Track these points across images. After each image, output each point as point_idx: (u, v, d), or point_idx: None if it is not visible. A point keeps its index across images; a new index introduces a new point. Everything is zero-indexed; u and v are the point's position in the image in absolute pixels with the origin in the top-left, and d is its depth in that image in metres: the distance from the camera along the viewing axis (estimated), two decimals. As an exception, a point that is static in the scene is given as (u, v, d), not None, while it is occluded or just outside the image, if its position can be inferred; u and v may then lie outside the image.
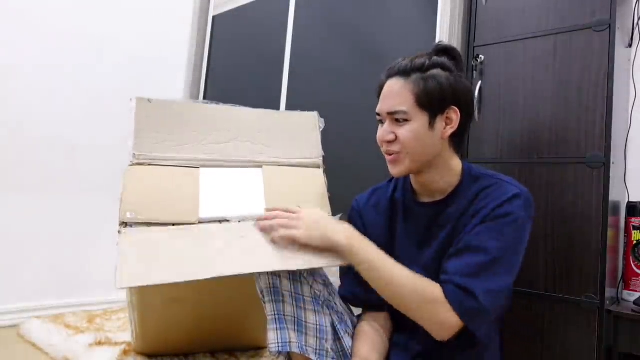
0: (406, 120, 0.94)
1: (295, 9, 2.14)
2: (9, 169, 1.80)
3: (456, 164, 1.01)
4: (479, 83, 1.50)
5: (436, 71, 0.95)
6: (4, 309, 1.77)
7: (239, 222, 1.03)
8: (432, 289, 0.87)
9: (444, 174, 0.99)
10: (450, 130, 0.96)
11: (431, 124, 0.94)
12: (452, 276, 0.87)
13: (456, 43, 1.55)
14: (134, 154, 1.07)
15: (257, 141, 1.18)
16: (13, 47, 1.83)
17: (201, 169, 1.08)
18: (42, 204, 1.88)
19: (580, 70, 1.32)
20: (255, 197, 1.09)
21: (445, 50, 1.00)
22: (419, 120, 0.94)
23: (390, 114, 0.96)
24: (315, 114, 1.25)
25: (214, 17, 2.56)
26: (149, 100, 1.09)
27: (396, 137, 0.95)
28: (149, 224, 0.97)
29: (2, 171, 1.79)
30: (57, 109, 1.94)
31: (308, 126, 1.23)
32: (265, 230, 0.97)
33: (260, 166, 1.16)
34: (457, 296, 0.85)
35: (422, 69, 0.95)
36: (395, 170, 0.98)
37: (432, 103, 0.93)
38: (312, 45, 2.05)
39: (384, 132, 0.97)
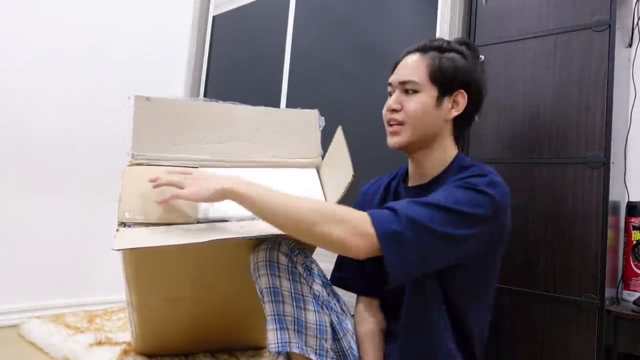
0: (416, 92, 0.98)
1: (295, 9, 2.14)
2: (9, 169, 1.80)
3: (451, 151, 1.02)
4: (479, 83, 1.50)
5: (453, 54, 1.00)
6: (4, 308, 1.77)
7: (238, 221, 1.03)
8: (345, 207, 0.85)
9: (437, 157, 1.01)
10: (455, 113, 0.99)
11: (439, 100, 0.98)
12: (394, 205, 0.86)
13: (456, 43, 1.55)
14: (133, 154, 1.07)
15: (256, 140, 1.17)
16: (13, 47, 1.83)
17: (200, 169, 1.08)
18: (42, 204, 1.88)
19: (580, 70, 1.32)
20: None
21: (464, 42, 1.05)
22: (428, 93, 0.98)
23: (402, 83, 1.00)
24: (315, 111, 1.25)
25: (214, 17, 2.56)
26: (148, 99, 1.09)
27: (402, 107, 0.98)
28: (147, 225, 0.97)
29: (2, 171, 1.79)
30: (57, 109, 1.94)
31: (308, 124, 1.23)
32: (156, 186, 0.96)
33: (259, 166, 1.16)
34: (379, 213, 0.83)
35: (440, 48, 1.00)
36: (393, 140, 1.00)
37: (444, 80, 0.97)
38: (312, 45, 2.05)
39: (392, 100, 1.00)
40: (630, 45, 1.51)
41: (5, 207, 1.80)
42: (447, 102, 0.99)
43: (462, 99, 1.00)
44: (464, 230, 0.84)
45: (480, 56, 1.51)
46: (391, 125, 1.00)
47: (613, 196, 1.28)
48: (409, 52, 1.04)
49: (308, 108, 1.26)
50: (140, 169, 1.05)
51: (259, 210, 0.86)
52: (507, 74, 1.45)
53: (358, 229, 0.81)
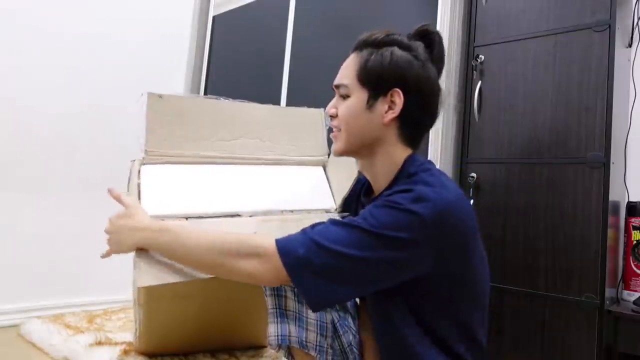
0: (348, 96, 0.91)
1: (295, 9, 2.14)
2: (9, 169, 1.80)
3: (399, 157, 0.90)
4: (479, 83, 1.50)
5: (390, 48, 0.89)
6: (4, 309, 1.77)
7: (250, 217, 1.04)
8: (249, 239, 0.83)
9: (384, 166, 0.91)
10: (391, 115, 0.87)
11: (369, 103, 0.88)
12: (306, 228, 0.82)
13: (456, 43, 1.55)
14: (146, 150, 1.08)
15: (264, 138, 1.19)
16: (13, 47, 1.83)
17: (211, 165, 1.10)
18: (42, 203, 1.88)
19: (580, 70, 1.32)
20: (265, 194, 1.10)
21: (423, 33, 0.93)
22: (358, 97, 0.90)
23: (336, 87, 0.94)
24: (321, 110, 1.25)
25: (214, 17, 2.56)
26: (160, 96, 1.10)
27: (337, 112, 0.93)
28: (162, 218, 0.99)
29: (2, 171, 1.79)
30: (57, 109, 1.94)
31: (314, 123, 1.24)
32: None
33: (268, 164, 1.17)
34: (287, 239, 0.80)
35: (374, 43, 0.91)
36: (333, 148, 0.95)
37: (371, 79, 0.88)
38: (312, 45, 2.05)
39: (329, 105, 0.95)
40: (630, 45, 1.51)
41: (5, 207, 1.80)
42: (381, 104, 0.88)
43: (398, 98, 0.87)
44: (388, 253, 0.76)
45: (480, 56, 1.51)
46: (332, 131, 0.95)
47: (613, 196, 1.29)
48: (352, 51, 0.95)
49: (309, 108, 1.26)
50: (154, 167, 1.07)
51: (172, 257, 0.91)
52: (507, 74, 1.45)
53: (263, 259, 0.79)
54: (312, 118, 1.24)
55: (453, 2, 1.56)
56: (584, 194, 1.27)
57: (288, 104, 2.09)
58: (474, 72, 1.51)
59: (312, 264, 0.76)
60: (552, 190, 1.32)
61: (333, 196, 1.16)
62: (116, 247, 0.96)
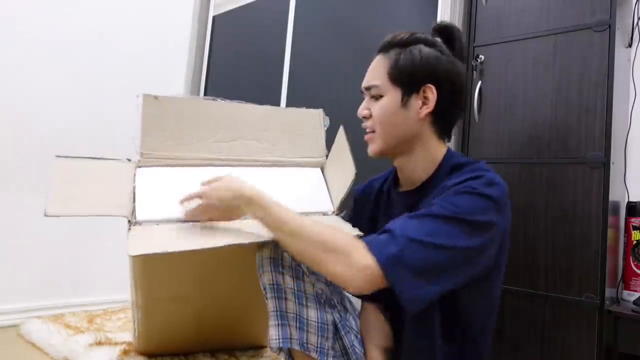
0: (380, 96, 0.93)
1: (295, 9, 2.14)
2: (9, 169, 1.80)
3: (438, 151, 0.95)
4: (479, 83, 1.50)
5: (417, 46, 0.92)
6: (4, 309, 1.77)
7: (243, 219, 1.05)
8: (345, 235, 0.81)
9: (422, 160, 0.94)
10: (426, 110, 0.91)
11: (404, 100, 0.91)
12: (391, 226, 0.79)
13: (456, 43, 1.55)
14: (142, 152, 1.07)
15: (263, 139, 1.18)
16: (13, 47, 1.83)
17: (209, 167, 1.09)
18: (42, 204, 1.88)
19: (580, 70, 1.32)
20: None
21: (442, 29, 0.97)
22: (391, 96, 0.92)
23: (366, 89, 0.95)
24: (320, 111, 1.24)
25: (214, 17, 2.56)
26: (155, 97, 1.08)
27: (371, 114, 0.94)
28: (157, 222, 0.98)
29: (2, 171, 1.79)
30: (58, 109, 1.94)
31: (313, 124, 1.23)
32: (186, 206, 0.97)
33: (266, 165, 1.16)
34: (377, 239, 0.78)
35: (401, 43, 0.93)
36: (369, 149, 0.97)
37: (403, 78, 0.90)
38: (312, 46, 2.05)
39: (361, 107, 0.96)
40: (630, 45, 1.51)
41: (5, 207, 1.80)
42: (415, 101, 0.91)
43: (431, 94, 0.90)
44: (473, 240, 0.78)
45: (480, 56, 1.51)
46: (366, 133, 0.96)
47: (613, 196, 1.29)
48: (376, 53, 0.97)
49: (308, 108, 1.26)
50: (150, 170, 1.06)
51: (265, 224, 0.87)
52: (507, 74, 1.45)
53: (355, 262, 0.76)
54: (311, 119, 1.23)
55: (453, 2, 1.56)
56: (584, 194, 1.27)
57: (288, 104, 2.09)
58: (474, 72, 1.52)
59: (406, 260, 0.74)
60: (552, 190, 1.32)
61: (331, 198, 1.15)
62: (219, 194, 0.92)
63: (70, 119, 1.97)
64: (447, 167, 0.93)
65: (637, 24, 1.51)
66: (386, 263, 0.74)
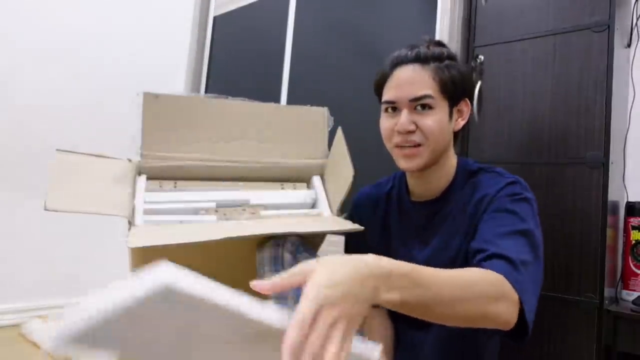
0: (430, 108, 0.89)
1: (295, 9, 2.14)
2: (10, 169, 1.81)
3: (454, 159, 0.98)
4: (479, 83, 1.50)
5: (454, 61, 0.93)
6: (5, 308, 1.77)
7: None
8: (493, 277, 0.70)
9: (446, 170, 0.96)
10: (462, 123, 0.95)
11: (450, 114, 0.93)
12: (496, 247, 0.75)
13: (456, 43, 1.55)
14: (142, 153, 1.06)
15: (264, 139, 1.15)
16: (13, 47, 1.84)
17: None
18: (42, 203, 1.88)
19: (579, 71, 1.33)
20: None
21: (440, 43, 0.97)
22: (442, 109, 0.91)
23: (414, 100, 0.89)
24: (324, 110, 1.21)
25: (214, 18, 2.56)
26: (156, 96, 1.07)
27: (416, 126, 0.90)
28: (158, 223, 0.98)
29: (3, 171, 1.79)
30: (58, 109, 1.95)
31: (316, 123, 1.20)
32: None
33: (266, 166, 1.15)
34: (506, 271, 0.71)
35: (440, 58, 0.91)
36: (413, 164, 0.91)
37: (449, 91, 0.91)
38: (312, 46, 2.05)
39: (405, 121, 0.88)
40: (629, 45, 1.51)
41: (5, 207, 1.80)
42: (454, 114, 0.94)
43: (466, 107, 0.96)
44: (541, 242, 0.83)
45: (480, 56, 1.51)
46: (406, 147, 0.90)
47: (612, 196, 1.29)
48: (400, 64, 0.91)
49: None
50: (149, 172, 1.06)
51: (405, 298, 0.60)
52: (507, 74, 1.46)
53: (512, 300, 0.68)
54: (315, 118, 1.21)
55: (453, 3, 1.57)
56: (583, 194, 1.28)
57: (288, 104, 2.10)
58: (474, 72, 1.52)
59: (531, 285, 0.74)
60: (551, 190, 1.33)
61: (329, 201, 1.14)
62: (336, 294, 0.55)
63: (71, 119, 1.98)
64: (463, 175, 0.95)
65: (636, 24, 1.51)
66: (521, 293, 0.70)
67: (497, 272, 0.70)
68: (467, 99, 0.95)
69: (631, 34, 1.51)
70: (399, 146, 0.92)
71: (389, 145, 0.96)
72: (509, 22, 1.48)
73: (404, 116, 0.89)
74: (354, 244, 1.08)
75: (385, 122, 0.94)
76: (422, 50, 0.91)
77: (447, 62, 0.92)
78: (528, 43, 1.43)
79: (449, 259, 0.91)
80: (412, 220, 1.00)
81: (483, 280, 0.69)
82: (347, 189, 1.04)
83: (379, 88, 0.97)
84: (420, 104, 0.89)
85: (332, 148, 1.16)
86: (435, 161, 0.94)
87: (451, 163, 0.97)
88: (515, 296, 0.69)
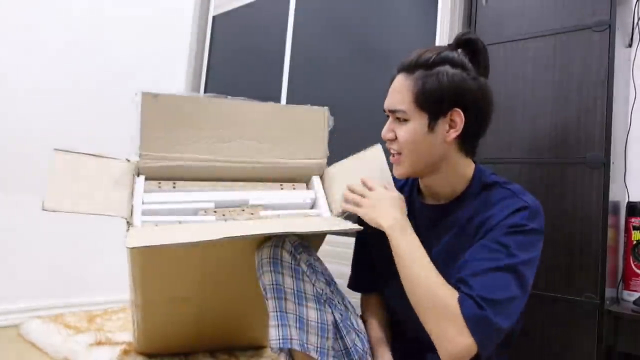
0: (406, 120, 0.92)
1: (295, 9, 2.14)
2: (9, 169, 1.80)
3: (466, 169, 0.96)
4: (479, 83, 1.50)
5: (443, 68, 0.89)
6: (4, 308, 1.77)
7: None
8: (448, 299, 0.81)
9: (450, 179, 0.96)
10: (454, 134, 0.90)
11: (430, 126, 0.90)
12: (470, 290, 0.81)
13: (456, 43, 1.55)
14: (141, 153, 1.06)
15: (263, 139, 1.15)
16: (13, 46, 1.83)
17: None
18: (41, 203, 1.88)
19: (580, 71, 1.32)
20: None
21: (465, 43, 0.94)
22: (418, 120, 0.91)
23: (391, 111, 0.95)
24: (325, 110, 1.20)
25: (214, 17, 2.56)
26: (155, 96, 1.06)
27: (396, 136, 0.94)
28: (156, 223, 0.98)
29: (2, 171, 1.79)
30: (58, 109, 1.94)
31: (317, 124, 1.20)
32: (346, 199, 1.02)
33: (266, 166, 1.15)
34: (476, 318, 0.79)
35: (426, 65, 0.90)
36: (396, 172, 0.98)
37: (429, 104, 0.89)
38: (312, 45, 2.05)
39: (385, 129, 0.96)
40: (630, 45, 1.51)
41: (5, 207, 1.80)
42: (442, 125, 0.90)
43: (458, 118, 0.89)
44: (530, 276, 0.86)
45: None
46: (392, 155, 0.97)
47: (613, 196, 1.29)
48: (398, 71, 0.95)
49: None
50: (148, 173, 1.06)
51: (399, 267, 0.89)
52: (507, 74, 1.45)
53: (456, 325, 0.80)
54: (315, 118, 1.20)
55: (453, 3, 1.56)
56: (583, 194, 1.27)
57: (288, 104, 2.09)
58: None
59: (499, 329, 0.80)
60: (552, 190, 1.32)
61: (328, 202, 1.14)
62: (364, 212, 0.96)
63: (71, 119, 1.97)
64: (477, 186, 0.95)
65: (637, 24, 1.51)
66: (483, 341, 0.80)
67: (463, 307, 0.79)
68: (459, 110, 0.89)
69: (632, 34, 1.51)
70: (389, 152, 0.98)
71: None
72: (509, 22, 1.47)
73: (386, 125, 0.96)
74: (361, 232, 1.08)
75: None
76: (412, 58, 0.92)
77: (436, 68, 0.89)
78: (528, 43, 1.42)
79: (450, 266, 0.91)
80: (419, 220, 1.00)
81: (444, 298, 0.81)
82: None
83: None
84: (397, 117, 0.94)
85: (359, 155, 1.16)
86: (428, 169, 0.95)
87: (459, 172, 0.96)
88: (466, 340, 0.78)
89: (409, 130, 0.91)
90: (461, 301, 0.80)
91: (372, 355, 0.99)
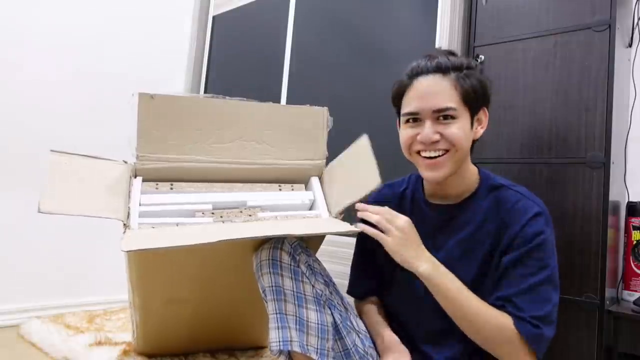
0: (453, 118, 0.91)
1: (295, 9, 2.14)
2: (9, 168, 1.80)
3: (473, 169, 1.00)
4: (479, 83, 1.49)
5: (474, 70, 0.95)
6: (4, 309, 1.77)
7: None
8: (506, 326, 0.86)
9: (466, 178, 0.98)
10: (481, 131, 0.97)
11: (472, 123, 0.95)
12: (521, 312, 0.86)
13: (456, 43, 1.55)
14: (138, 155, 1.05)
15: (262, 140, 1.14)
16: (13, 46, 1.83)
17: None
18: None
19: (580, 70, 1.32)
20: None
21: (452, 52, 0.98)
22: (465, 118, 0.93)
23: (437, 111, 0.91)
24: (324, 110, 1.19)
25: (214, 17, 2.56)
26: (152, 97, 1.04)
27: (441, 136, 0.92)
28: (153, 226, 0.97)
29: (2, 170, 1.79)
30: (58, 109, 1.94)
31: (316, 124, 1.19)
32: (364, 217, 0.95)
33: (264, 167, 1.14)
34: (535, 337, 0.85)
35: (460, 67, 0.93)
36: (438, 174, 0.93)
37: (471, 101, 0.93)
38: (312, 45, 2.05)
39: (428, 132, 0.91)
40: (630, 45, 1.51)
41: (5, 207, 1.80)
42: (476, 123, 0.96)
43: (484, 116, 0.97)
44: (558, 277, 0.92)
45: (480, 56, 1.51)
46: (431, 157, 0.93)
47: (613, 196, 1.28)
48: (420, 74, 0.93)
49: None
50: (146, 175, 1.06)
51: (438, 300, 0.90)
52: (507, 74, 1.45)
53: (515, 348, 0.86)
54: (315, 118, 1.19)
55: (453, 2, 1.56)
56: (584, 194, 1.27)
57: (288, 104, 2.09)
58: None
59: (546, 336, 0.86)
60: (552, 190, 1.32)
61: (326, 202, 1.13)
62: (394, 245, 0.90)
63: (70, 119, 1.97)
64: (486, 187, 0.98)
65: (637, 24, 1.51)
66: (536, 346, 0.86)
67: (521, 331, 0.84)
68: (485, 108, 0.97)
69: (632, 34, 1.51)
70: (422, 155, 0.94)
71: (408, 153, 0.98)
72: (509, 21, 1.47)
73: (428, 127, 0.92)
74: (363, 238, 1.07)
75: (407, 133, 0.96)
76: (442, 60, 0.93)
77: (466, 71, 0.93)
78: (529, 43, 1.42)
79: (466, 268, 0.93)
80: (427, 219, 1.00)
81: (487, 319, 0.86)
82: (363, 196, 1.02)
83: (397, 99, 0.99)
84: (443, 115, 0.91)
85: (349, 151, 1.13)
86: (456, 170, 0.96)
87: (470, 172, 0.99)
88: (529, 351, 0.85)
89: (461, 127, 0.92)
90: (517, 325, 0.85)
91: (371, 335, 1.01)
